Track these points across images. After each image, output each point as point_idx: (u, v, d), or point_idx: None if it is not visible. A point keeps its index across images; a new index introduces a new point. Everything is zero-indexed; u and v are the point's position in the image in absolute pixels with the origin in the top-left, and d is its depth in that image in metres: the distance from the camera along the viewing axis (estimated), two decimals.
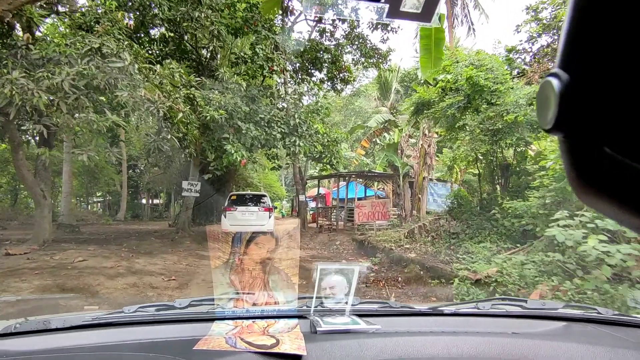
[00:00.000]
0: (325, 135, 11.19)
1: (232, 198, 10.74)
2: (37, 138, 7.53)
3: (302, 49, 12.14)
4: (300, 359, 0.93)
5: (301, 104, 11.35)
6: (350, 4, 14.88)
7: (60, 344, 0.99)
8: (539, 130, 5.59)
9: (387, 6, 0.44)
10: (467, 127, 6.30)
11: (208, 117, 7.78)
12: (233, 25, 9.93)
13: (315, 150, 11.01)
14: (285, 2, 12.59)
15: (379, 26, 14.93)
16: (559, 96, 0.25)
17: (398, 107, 19.44)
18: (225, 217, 10.11)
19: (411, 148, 14.12)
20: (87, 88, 5.54)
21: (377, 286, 5.77)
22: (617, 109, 0.23)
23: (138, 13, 8.33)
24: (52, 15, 6.80)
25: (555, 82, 0.26)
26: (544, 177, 4.87)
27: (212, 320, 1.16)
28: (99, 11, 6.41)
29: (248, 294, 1.75)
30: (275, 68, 9.97)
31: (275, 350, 0.94)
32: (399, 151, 13.76)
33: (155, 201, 26.59)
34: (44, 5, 6.12)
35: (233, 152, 8.47)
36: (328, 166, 13.52)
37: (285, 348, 0.94)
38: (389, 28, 14.87)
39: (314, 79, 13.82)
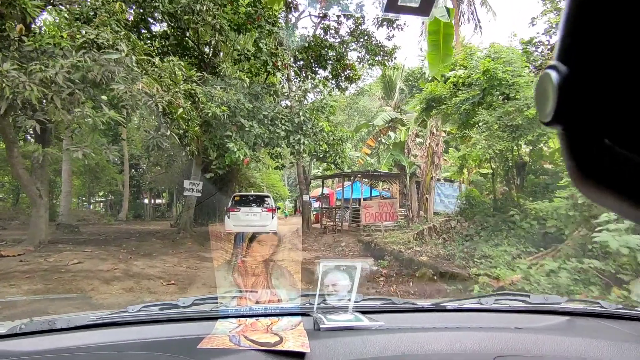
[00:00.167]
0: (330, 133, 10.87)
1: (235, 199, 10.82)
2: (34, 135, 7.27)
3: (306, 45, 11.82)
4: (303, 356, 0.92)
5: (306, 101, 11.06)
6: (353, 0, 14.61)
7: (66, 344, 1.00)
8: None
9: (385, 0, 0.44)
10: (484, 124, 5.96)
11: (210, 114, 7.49)
12: (236, 21, 9.66)
13: (320, 149, 10.70)
14: None
15: (384, 23, 14.60)
16: (557, 89, 0.25)
17: (402, 107, 19.11)
18: (229, 217, 10.16)
19: (418, 147, 13.78)
20: (82, 82, 5.27)
21: (388, 291, 5.45)
22: (616, 101, 0.23)
23: (138, 6, 8.06)
24: (49, 7, 6.54)
25: (554, 75, 0.26)
26: None
27: (215, 318, 1.15)
28: (97, 2, 6.14)
29: (251, 292, 1.79)
30: (279, 64, 9.67)
31: (279, 347, 0.93)
32: (406, 150, 13.42)
33: (158, 201, 26.40)
34: None
35: (236, 150, 8.18)
36: (332, 166, 13.26)
37: (289, 345, 0.94)
38: (394, 25, 14.54)
39: (318, 76, 13.53)
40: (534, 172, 6.62)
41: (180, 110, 5.80)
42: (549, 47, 6.56)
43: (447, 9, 11.72)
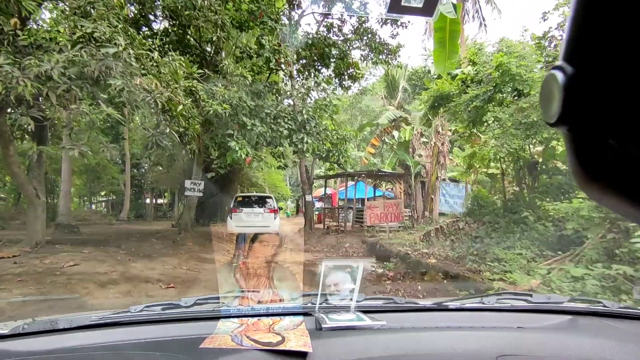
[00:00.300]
0: (334, 132, 10.66)
1: (237, 199, 10.92)
2: (31, 133, 7.10)
3: (309, 42, 11.61)
4: (306, 356, 0.92)
5: (309, 100, 10.85)
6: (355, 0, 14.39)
7: (68, 344, 1.00)
8: None
9: (388, 1, 0.44)
10: (496, 121, 5.72)
11: (211, 112, 7.29)
12: (238, 18, 9.48)
13: (324, 148, 10.50)
14: None
15: (388, 21, 14.38)
16: (563, 89, 0.25)
17: (406, 106, 18.88)
18: (231, 218, 10.24)
19: (423, 147, 13.55)
20: (79, 77, 5.08)
21: (396, 296, 5.22)
22: (622, 102, 0.23)
23: (138, 2, 7.88)
24: (45, 2, 6.35)
25: (559, 75, 0.25)
26: None
27: (217, 318, 1.15)
28: None
29: (253, 291, 1.78)
30: (282, 60, 9.46)
31: (281, 347, 0.93)
32: (410, 150, 13.20)
33: (160, 201, 26.26)
34: None
35: (237, 149, 7.99)
36: (335, 165, 13.09)
37: (291, 345, 0.94)
38: (398, 23, 14.31)
39: (321, 75, 13.34)
40: (547, 171, 6.38)
41: (181, 107, 5.61)
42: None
43: (454, 5, 11.46)
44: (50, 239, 8.41)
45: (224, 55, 10.95)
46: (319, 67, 13.30)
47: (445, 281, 5.10)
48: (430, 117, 11.39)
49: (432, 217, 11.89)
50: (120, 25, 5.09)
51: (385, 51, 14.50)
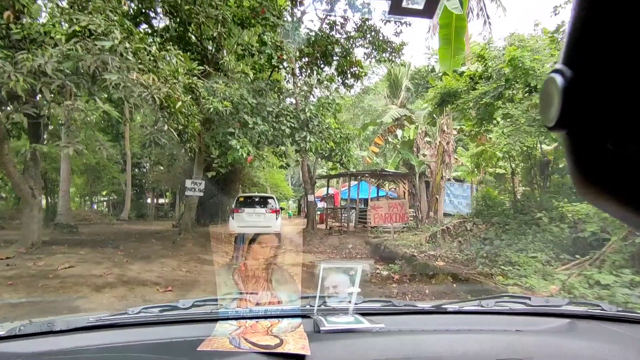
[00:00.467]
0: (337, 130, 10.45)
1: (239, 200, 11.01)
2: (27, 131, 6.92)
3: (312, 39, 11.41)
4: (304, 359, 0.91)
5: (312, 98, 10.65)
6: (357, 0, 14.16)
7: (65, 346, 1.00)
8: None
9: (389, 2, 0.44)
10: (508, 118, 5.49)
11: (211, 109, 7.09)
12: (239, 15, 9.29)
13: (327, 147, 10.29)
14: None
15: (391, 18, 14.16)
16: (562, 93, 0.25)
17: (408, 105, 18.65)
18: (233, 218, 10.30)
19: (427, 146, 13.32)
20: (73, 72, 4.89)
21: (404, 300, 5.01)
22: (621, 106, 0.23)
23: None
24: None
25: (559, 79, 0.26)
26: None
27: (215, 320, 1.15)
28: None
29: (251, 293, 1.76)
30: (284, 57, 9.25)
31: (279, 350, 0.93)
32: (415, 149, 12.97)
33: (161, 200, 26.13)
34: None
35: (239, 147, 7.79)
36: (338, 165, 12.90)
37: (289, 348, 0.93)
38: (402, 20, 14.09)
39: (324, 74, 13.15)
40: (559, 171, 6.14)
41: (179, 103, 5.41)
42: None
43: (461, 1, 11.20)
44: (48, 239, 8.25)
45: (225, 52, 10.77)
46: (322, 65, 13.10)
47: (454, 285, 4.87)
48: (435, 115, 11.15)
49: (437, 217, 11.66)
50: (116, 18, 4.90)
51: (388, 49, 14.29)
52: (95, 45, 4.75)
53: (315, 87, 11.21)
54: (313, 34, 11.87)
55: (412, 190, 12.94)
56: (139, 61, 4.87)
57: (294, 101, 10.66)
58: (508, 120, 5.53)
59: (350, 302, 1.21)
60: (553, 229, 4.91)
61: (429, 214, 12.10)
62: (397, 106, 18.27)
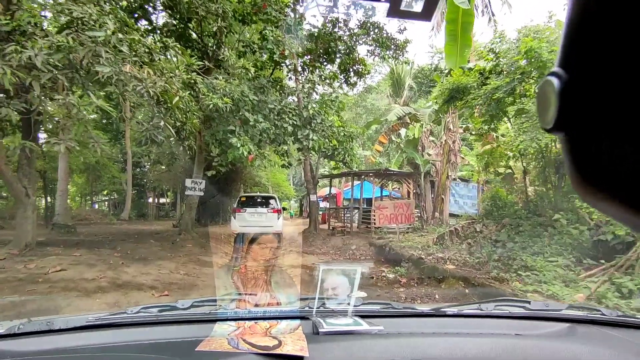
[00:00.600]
0: (341, 129, 10.19)
1: (241, 199, 11.01)
2: (21, 128, 6.69)
3: (315, 35, 11.15)
4: None
5: (315, 95, 10.39)
6: None
7: (64, 345, 1.00)
8: None
9: (387, 5, 0.45)
10: (524, 113, 5.21)
11: (211, 106, 6.84)
12: (241, 10, 9.04)
13: (330, 145, 10.03)
14: None
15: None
16: (559, 95, 0.26)
17: (411, 104, 18.37)
18: (234, 218, 10.29)
19: (432, 145, 13.03)
20: (65, 65, 4.65)
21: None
22: (617, 106, 0.23)
23: None
24: None
25: (555, 82, 0.26)
26: None
27: (214, 321, 1.14)
28: None
29: (250, 294, 1.76)
30: (286, 52, 9.00)
31: (278, 351, 0.92)
32: (420, 148, 12.68)
33: (162, 200, 25.96)
34: None
35: (239, 145, 7.53)
36: (341, 164, 12.66)
37: (288, 349, 0.93)
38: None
39: (327, 71, 12.90)
40: None
41: (177, 99, 5.15)
42: None
43: None
44: (45, 240, 8.03)
45: (225, 48, 10.53)
46: (324, 63, 12.84)
47: (467, 290, 4.59)
48: (441, 114, 10.86)
49: (443, 218, 11.38)
50: (109, 7, 4.65)
51: (392, 46, 14.02)
52: (88, 36, 4.50)
53: (318, 84, 10.94)
54: (316, 30, 11.61)
55: (417, 190, 12.65)
56: (134, 53, 4.62)
57: (296, 99, 10.41)
58: (523, 116, 5.25)
59: (349, 304, 1.20)
60: (572, 231, 4.62)
61: (434, 215, 11.81)
62: (400, 105, 17.99)
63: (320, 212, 16.20)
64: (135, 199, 21.49)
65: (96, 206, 25.21)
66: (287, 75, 12.55)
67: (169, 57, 5.92)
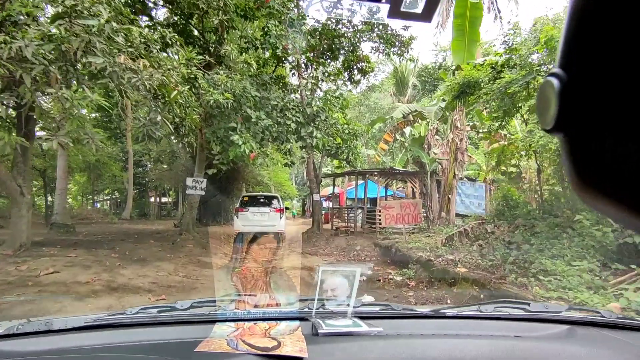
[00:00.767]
0: (345, 126, 9.92)
1: (244, 199, 11.05)
2: (17, 124, 6.48)
3: (318, 31, 10.90)
4: None
5: (319, 92, 10.13)
6: None
7: (63, 345, 1.00)
8: None
9: (387, 6, 0.45)
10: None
11: (212, 102, 6.61)
12: (243, 5, 8.81)
13: (334, 143, 9.78)
14: None
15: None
16: (559, 96, 0.26)
17: (415, 103, 18.09)
18: (237, 217, 10.29)
19: (438, 143, 12.74)
20: (57, 57, 4.42)
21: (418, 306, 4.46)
22: (618, 108, 0.23)
23: None
24: None
25: (555, 82, 0.26)
26: None
27: (213, 322, 1.15)
28: None
29: (250, 295, 1.82)
30: (289, 47, 8.74)
31: (277, 352, 0.93)
32: (425, 146, 12.38)
33: (164, 199, 25.79)
34: None
35: (241, 143, 7.29)
36: (345, 163, 12.42)
37: (287, 350, 0.93)
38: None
39: (330, 68, 12.66)
40: None
41: (175, 92, 4.91)
42: None
43: None
44: (42, 239, 7.82)
45: (227, 44, 10.29)
46: (328, 60, 12.59)
47: (482, 295, 4.32)
48: (448, 111, 10.56)
49: (449, 218, 11.08)
50: None
51: (397, 43, 13.74)
52: (81, 25, 4.26)
53: (322, 81, 10.68)
54: (319, 26, 11.36)
55: (422, 190, 12.36)
56: (129, 44, 4.38)
57: (299, 96, 10.17)
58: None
59: (348, 305, 1.20)
60: (594, 232, 4.33)
61: (441, 215, 11.52)
62: (403, 103, 17.71)
63: (323, 212, 15.96)
64: (136, 198, 21.33)
65: (98, 205, 25.08)
66: (290, 73, 12.31)
67: (169, 53, 5.67)
